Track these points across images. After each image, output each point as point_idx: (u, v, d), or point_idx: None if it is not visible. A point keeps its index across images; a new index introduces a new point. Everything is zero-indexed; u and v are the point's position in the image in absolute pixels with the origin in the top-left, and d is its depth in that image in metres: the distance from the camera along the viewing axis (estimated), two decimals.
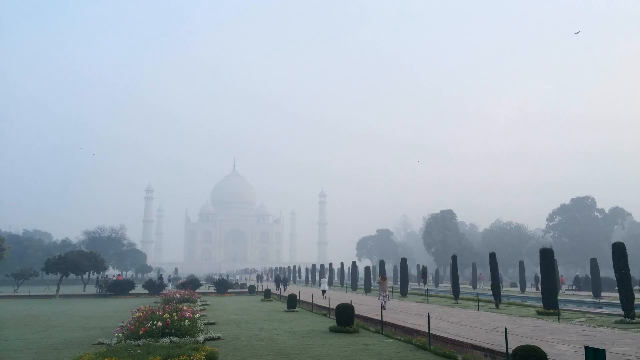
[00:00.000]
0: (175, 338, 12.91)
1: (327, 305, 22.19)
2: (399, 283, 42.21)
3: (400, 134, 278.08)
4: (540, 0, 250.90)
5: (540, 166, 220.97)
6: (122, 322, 14.58)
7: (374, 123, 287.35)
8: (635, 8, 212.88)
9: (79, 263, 43.41)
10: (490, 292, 27.40)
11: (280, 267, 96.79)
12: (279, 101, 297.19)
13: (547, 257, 22.03)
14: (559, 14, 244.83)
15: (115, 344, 12.64)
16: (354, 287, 47.26)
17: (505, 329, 10.59)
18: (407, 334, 15.23)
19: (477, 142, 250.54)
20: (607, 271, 41.19)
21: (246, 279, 78.58)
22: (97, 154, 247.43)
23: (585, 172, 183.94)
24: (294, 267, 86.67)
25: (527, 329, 15.22)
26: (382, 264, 41.96)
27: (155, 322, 13.47)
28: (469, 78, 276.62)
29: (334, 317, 17.36)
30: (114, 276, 53.42)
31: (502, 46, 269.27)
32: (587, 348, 6.43)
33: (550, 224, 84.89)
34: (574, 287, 44.93)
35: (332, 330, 16.08)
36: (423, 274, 39.46)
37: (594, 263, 36.57)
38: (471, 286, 53.07)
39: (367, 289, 42.01)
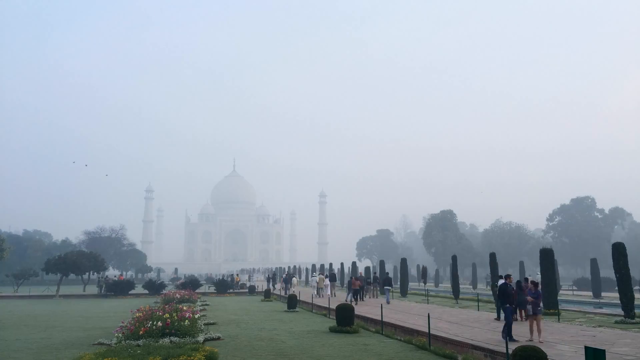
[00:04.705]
0: (175, 338, 12.90)
1: (327, 306, 22.20)
2: (399, 283, 42.18)
3: (400, 135, 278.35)
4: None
5: (540, 166, 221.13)
6: (122, 322, 14.56)
7: (373, 123, 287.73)
8: None
9: (79, 263, 43.40)
10: (490, 292, 27.42)
11: (280, 268, 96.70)
12: (279, 102, 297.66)
13: (547, 257, 22.03)
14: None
15: (115, 344, 12.63)
16: None
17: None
18: (407, 334, 15.22)
19: (477, 143, 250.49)
20: (607, 271, 41.13)
21: (247, 279, 77.97)
22: (97, 155, 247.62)
23: (585, 172, 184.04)
24: (294, 267, 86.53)
25: (527, 329, 15.19)
26: (382, 264, 41.98)
27: (155, 322, 13.47)
28: (463, 77, 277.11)
29: (334, 317, 17.36)
30: (115, 276, 53.44)
31: (498, 42, 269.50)
32: (587, 348, 6.42)
33: (550, 224, 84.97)
34: (574, 287, 44.95)
35: (332, 330, 16.07)
36: (423, 274, 39.47)
37: (594, 263, 36.60)
38: (471, 286, 53.02)
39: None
